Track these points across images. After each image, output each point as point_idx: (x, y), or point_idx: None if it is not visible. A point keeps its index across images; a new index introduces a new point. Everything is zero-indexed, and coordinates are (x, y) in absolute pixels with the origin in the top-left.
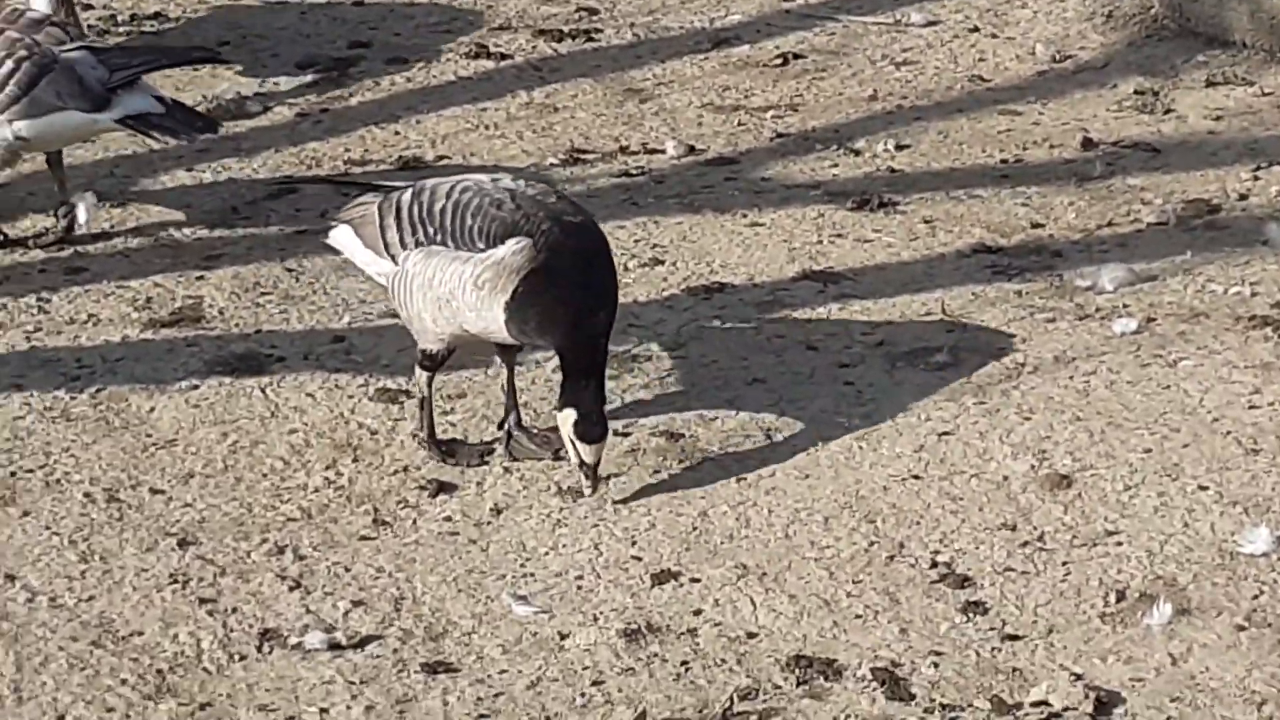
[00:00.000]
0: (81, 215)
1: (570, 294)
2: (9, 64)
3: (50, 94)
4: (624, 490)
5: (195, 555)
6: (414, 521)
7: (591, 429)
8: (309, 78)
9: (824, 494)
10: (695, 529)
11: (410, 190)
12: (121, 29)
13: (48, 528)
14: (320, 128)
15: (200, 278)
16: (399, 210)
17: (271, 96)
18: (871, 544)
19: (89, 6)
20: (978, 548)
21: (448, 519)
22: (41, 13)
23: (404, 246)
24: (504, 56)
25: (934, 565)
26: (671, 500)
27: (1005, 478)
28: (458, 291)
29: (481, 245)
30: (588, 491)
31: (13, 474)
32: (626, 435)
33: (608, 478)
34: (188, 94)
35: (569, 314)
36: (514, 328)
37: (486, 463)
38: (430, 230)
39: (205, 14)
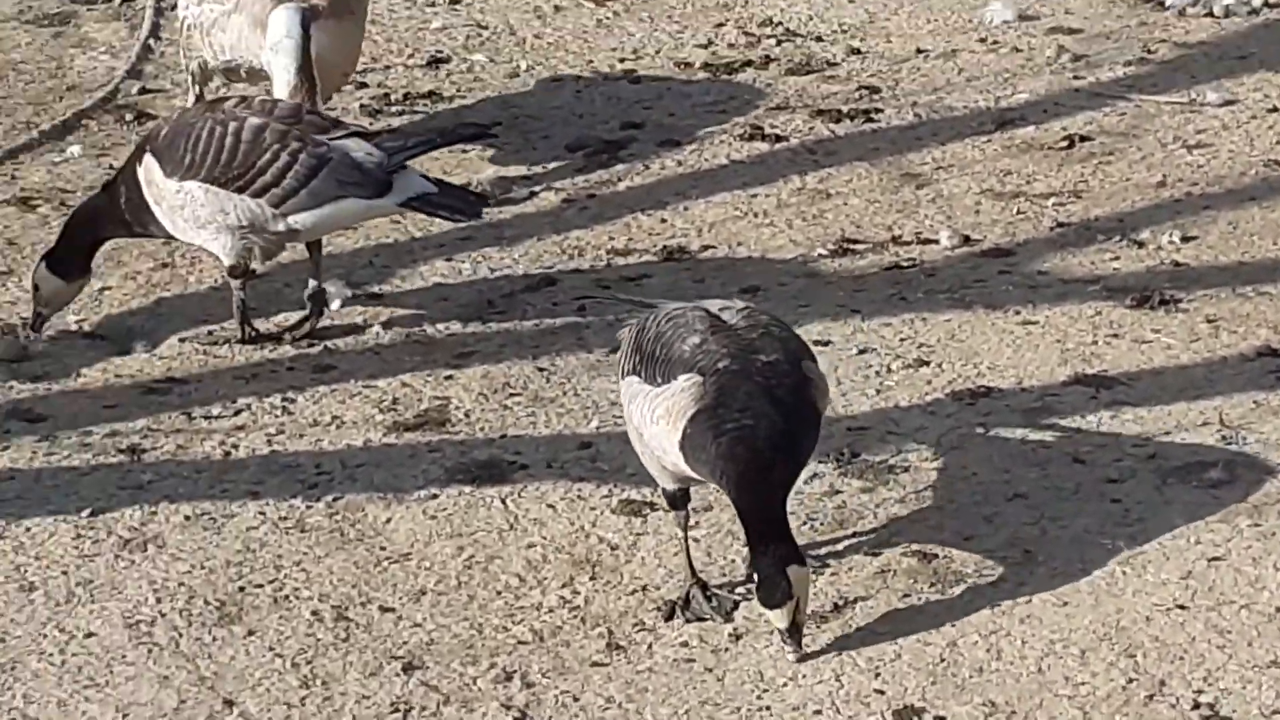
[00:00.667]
0: (335, 304)
1: (738, 441)
2: (284, 157)
3: (331, 184)
4: (870, 615)
5: (420, 681)
6: (649, 646)
7: (771, 595)
8: (578, 160)
9: (1082, 624)
10: (943, 660)
11: (648, 314)
12: (394, 109)
13: (271, 649)
14: (586, 214)
15: (449, 377)
16: (632, 333)
17: (538, 180)
18: (1130, 681)
19: (363, 85)
20: (1244, 687)
21: (684, 644)
22: (295, 102)
23: (622, 373)
24: (779, 138)
25: (1196, 706)
26: (920, 628)
27: (1278, 609)
28: (643, 426)
29: (659, 380)
30: (791, 656)
31: (241, 589)
32: (876, 555)
33: (854, 601)
34: (454, 178)
35: (736, 463)
36: (695, 470)
37: (730, 618)
38: (637, 359)
39: (480, 92)
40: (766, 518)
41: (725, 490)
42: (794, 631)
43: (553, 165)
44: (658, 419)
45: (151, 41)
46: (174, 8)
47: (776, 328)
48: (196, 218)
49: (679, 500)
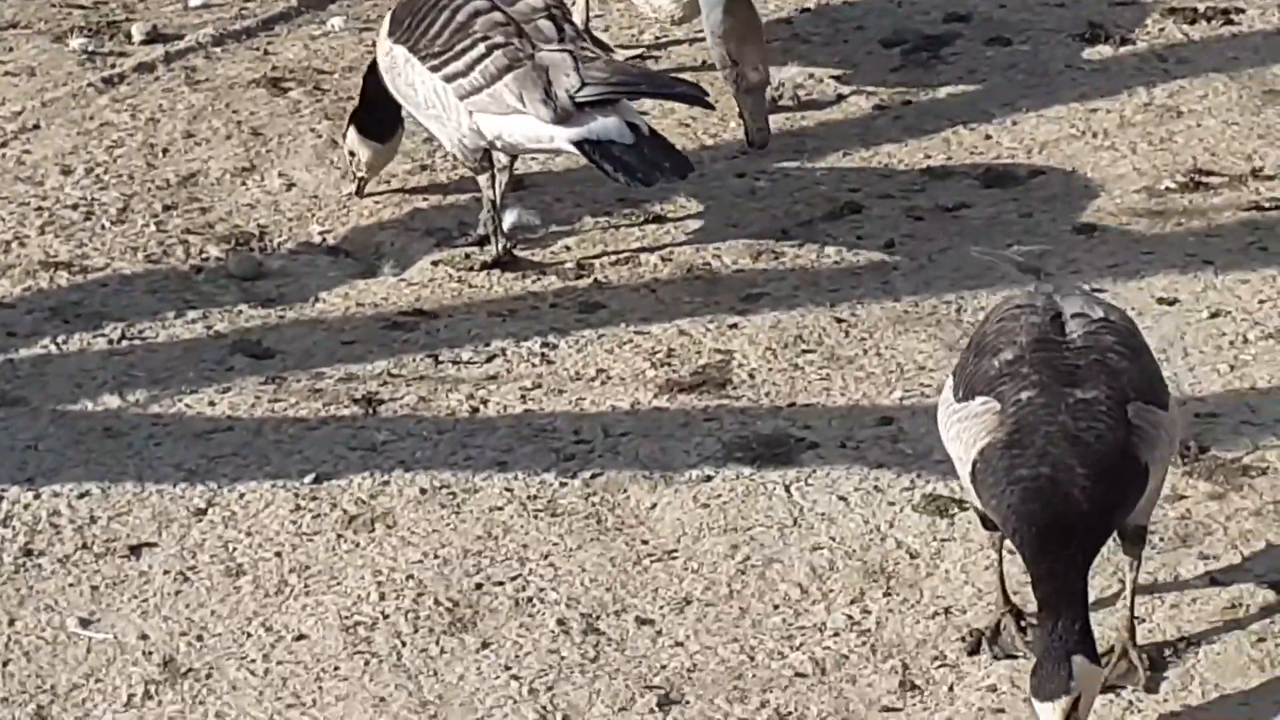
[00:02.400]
0: (508, 220)
1: (1034, 495)
2: (481, 48)
3: (512, 92)
4: (1217, 664)
5: None
6: (950, 688)
7: (1042, 686)
8: (894, 58)
9: None
10: None
11: (1011, 298)
12: None
13: (508, 667)
14: (899, 125)
15: (733, 325)
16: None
17: (848, 80)
18: None
19: None
20: None
21: (992, 689)
22: (548, 3)
23: (952, 372)
24: (1124, 40)
25: None
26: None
27: None
28: (951, 444)
29: (961, 393)
30: None
31: (478, 586)
32: (1226, 585)
33: (1198, 642)
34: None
35: (1031, 523)
36: (985, 510)
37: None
38: (961, 358)
39: None
40: (1059, 589)
41: (1018, 548)
42: None
43: (865, 63)
44: (950, 439)
45: None
46: None
47: (1119, 354)
48: (396, 86)
49: (990, 522)
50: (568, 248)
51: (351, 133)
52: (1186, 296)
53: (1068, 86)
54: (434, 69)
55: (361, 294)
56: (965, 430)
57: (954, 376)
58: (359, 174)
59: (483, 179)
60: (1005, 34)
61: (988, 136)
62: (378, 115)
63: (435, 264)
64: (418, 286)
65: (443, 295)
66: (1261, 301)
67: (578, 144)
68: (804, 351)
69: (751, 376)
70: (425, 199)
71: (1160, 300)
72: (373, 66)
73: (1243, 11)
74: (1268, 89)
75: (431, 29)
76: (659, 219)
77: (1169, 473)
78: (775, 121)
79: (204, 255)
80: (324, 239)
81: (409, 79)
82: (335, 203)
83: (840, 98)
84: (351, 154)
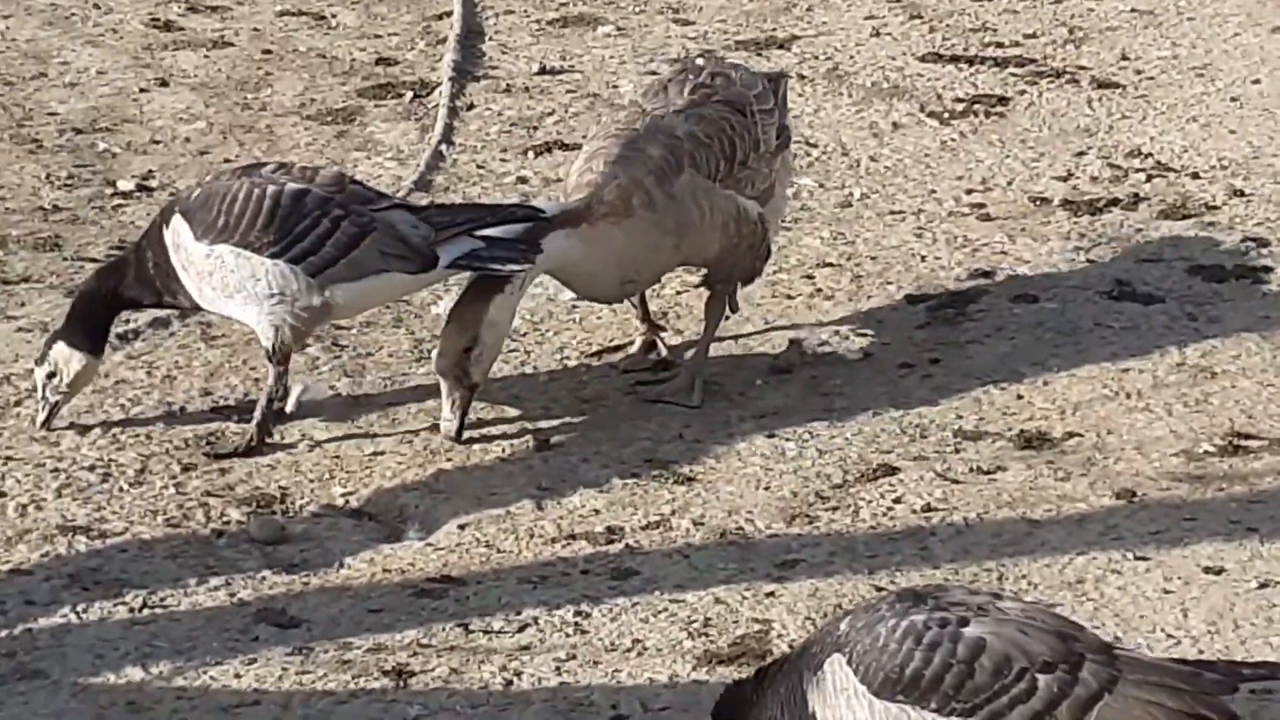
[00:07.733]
0: (290, 402)
1: None
2: (325, 223)
3: (373, 255)
4: None
5: None
6: None
7: None
8: (920, 315)
9: None
10: None
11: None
12: None
13: None
14: (928, 385)
15: (770, 594)
16: None
17: (872, 334)
18: None
19: None
20: None
21: None
22: (338, 171)
23: None
24: (1152, 298)
25: None
26: None
27: None
28: None
29: None
30: None
31: None
32: None
33: None
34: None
35: None
36: None
37: None
38: None
39: (806, 223)
40: None
41: None
42: None
43: (890, 319)
44: None
45: (444, 147)
46: (470, 108)
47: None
48: (225, 285)
49: None
50: (596, 511)
51: (60, 347)
52: (1233, 565)
53: (1098, 345)
54: (275, 255)
55: (387, 559)
56: None
57: None
58: (58, 395)
59: (277, 370)
60: (1031, 290)
61: (1019, 396)
62: (93, 328)
63: (462, 528)
64: (445, 551)
65: (471, 561)
66: None
67: (450, 266)
68: None
69: (791, 648)
70: (449, 459)
71: (1206, 569)
72: (97, 273)
73: (1271, 270)
74: None
75: (259, 219)
76: (688, 480)
77: None
78: (800, 380)
79: (225, 519)
80: (347, 501)
81: (249, 273)
82: (358, 463)
83: (866, 355)
84: (52, 374)
